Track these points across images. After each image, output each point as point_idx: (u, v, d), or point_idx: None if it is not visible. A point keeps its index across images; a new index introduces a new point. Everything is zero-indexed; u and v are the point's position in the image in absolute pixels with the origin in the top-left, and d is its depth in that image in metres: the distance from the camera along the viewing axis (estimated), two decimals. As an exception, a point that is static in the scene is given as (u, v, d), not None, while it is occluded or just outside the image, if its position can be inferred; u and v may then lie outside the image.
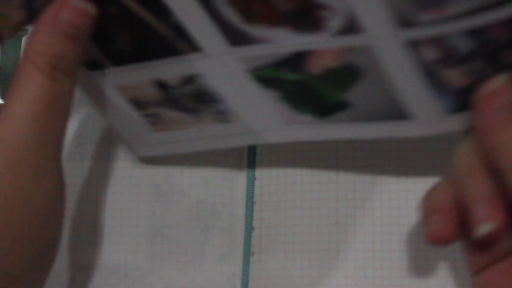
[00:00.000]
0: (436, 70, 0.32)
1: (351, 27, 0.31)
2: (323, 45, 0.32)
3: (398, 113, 0.35)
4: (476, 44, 0.30)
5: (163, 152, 0.42)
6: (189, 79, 0.37)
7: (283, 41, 0.33)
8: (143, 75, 0.36)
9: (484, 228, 0.29)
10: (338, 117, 0.37)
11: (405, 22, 0.29)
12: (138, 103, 0.39)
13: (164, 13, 0.31)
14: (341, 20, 0.30)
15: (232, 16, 0.32)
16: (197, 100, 0.37)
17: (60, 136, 0.31)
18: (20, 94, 0.30)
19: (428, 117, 0.35)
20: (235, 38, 0.33)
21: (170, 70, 0.35)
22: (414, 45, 0.31)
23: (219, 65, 0.35)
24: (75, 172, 0.43)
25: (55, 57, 0.30)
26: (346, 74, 0.34)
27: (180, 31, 0.33)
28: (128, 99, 0.39)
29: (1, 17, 0.31)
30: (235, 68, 0.35)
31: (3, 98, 0.51)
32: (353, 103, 0.36)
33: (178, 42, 0.34)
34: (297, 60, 0.34)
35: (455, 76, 0.32)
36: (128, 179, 0.43)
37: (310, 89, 0.35)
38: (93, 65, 0.36)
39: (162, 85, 0.37)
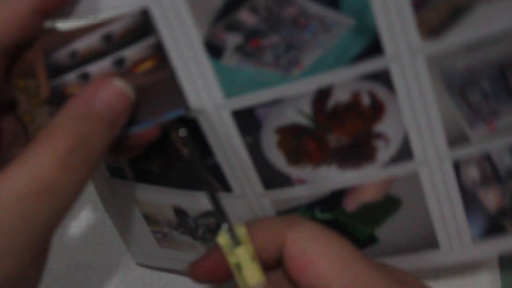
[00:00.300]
0: (474, 191, 0.32)
1: (401, 156, 0.30)
2: (368, 179, 0.31)
3: (429, 243, 0.34)
4: None
5: (161, 265, 0.41)
6: (210, 213, 0.35)
7: (323, 180, 0.31)
8: (165, 199, 0.35)
9: None
10: (367, 251, 0.35)
11: (456, 140, 0.29)
12: (151, 220, 0.37)
13: (205, 153, 0.30)
14: (392, 149, 0.30)
15: (277, 159, 0.30)
16: (211, 232, 0.36)
17: (48, 226, 0.26)
18: (22, 165, 0.25)
19: (460, 244, 0.34)
20: (272, 181, 0.31)
21: (192, 201, 0.34)
22: (459, 165, 0.30)
23: (246, 206, 0.33)
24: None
25: (79, 139, 0.25)
26: (383, 208, 0.33)
27: (215, 172, 0.31)
28: (143, 213, 0.36)
29: (28, 95, 0.28)
30: (262, 210, 0.33)
31: None
32: (384, 238, 0.34)
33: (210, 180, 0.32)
34: (333, 199, 0.32)
35: (490, 198, 0.32)
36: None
37: (340, 227, 0.34)
38: (117, 173, 0.33)
39: (181, 212, 0.35)
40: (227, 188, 0.32)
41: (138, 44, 0.27)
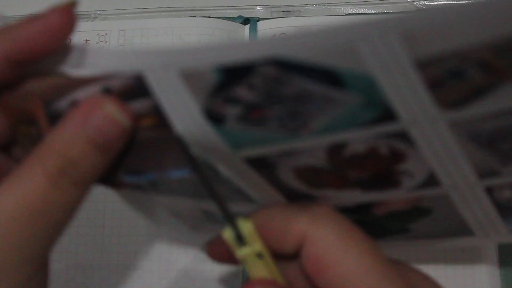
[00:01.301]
0: (509, 206, 0.33)
1: (427, 184, 0.30)
2: (394, 197, 0.32)
3: (463, 232, 0.35)
4: None
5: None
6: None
7: (348, 198, 0.32)
8: (193, 206, 0.35)
9: None
10: (396, 237, 0.36)
11: (486, 174, 0.30)
12: (179, 215, 0.38)
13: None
14: (418, 180, 0.30)
15: (297, 185, 0.30)
16: None
17: (42, 246, 0.26)
18: (12, 186, 0.25)
19: (496, 234, 0.35)
20: (295, 198, 0.32)
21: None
22: (491, 189, 0.31)
23: None
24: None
25: (69, 160, 0.25)
26: (413, 214, 0.34)
27: (238, 191, 0.31)
28: (171, 212, 0.37)
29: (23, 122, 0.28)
30: None
31: None
32: (414, 229, 0.36)
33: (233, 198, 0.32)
34: (359, 209, 0.33)
35: None
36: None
37: (371, 224, 0.34)
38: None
39: (209, 214, 0.36)
40: (250, 200, 0.32)
41: (137, 101, 0.26)
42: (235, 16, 0.50)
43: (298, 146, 0.27)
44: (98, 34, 0.51)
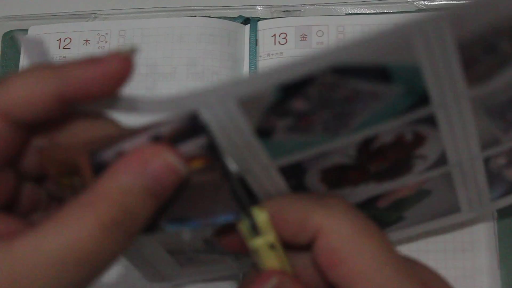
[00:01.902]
0: (499, 173, 0.35)
1: (436, 164, 0.32)
2: (402, 184, 0.33)
3: (450, 209, 0.37)
4: None
5: (180, 282, 0.42)
6: None
7: (360, 193, 0.33)
8: (195, 237, 0.35)
9: None
10: (391, 229, 0.38)
11: (489, 145, 0.32)
12: (175, 252, 0.38)
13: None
14: (429, 162, 0.32)
15: (319, 187, 0.31)
16: None
17: None
18: (60, 230, 0.24)
19: (479, 205, 0.37)
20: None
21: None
22: (488, 160, 0.33)
23: None
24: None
25: (124, 210, 0.24)
26: (413, 199, 0.35)
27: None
28: (167, 249, 0.37)
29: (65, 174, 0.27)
30: None
31: None
32: (410, 216, 0.37)
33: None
34: (366, 203, 0.34)
35: None
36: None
37: (370, 216, 0.36)
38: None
39: (211, 242, 0.36)
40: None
41: (185, 144, 0.26)
42: (235, 16, 0.50)
43: (334, 146, 0.29)
44: (98, 34, 0.51)
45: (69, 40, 0.51)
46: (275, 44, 0.49)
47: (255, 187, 0.30)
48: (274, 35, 0.49)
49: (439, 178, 0.34)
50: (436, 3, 0.49)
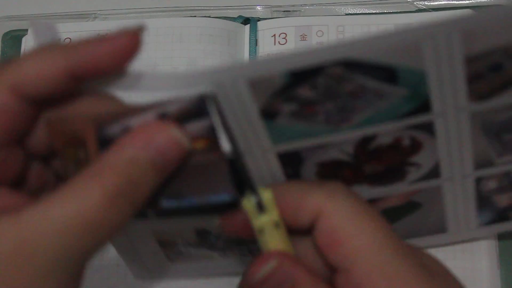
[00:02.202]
0: (488, 196, 0.36)
1: (429, 176, 0.33)
2: (395, 192, 0.34)
3: (437, 229, 0.38)
4: None
5: (168, 278, 0.42)
6: None
7: None
8: (187, 225, 0.36)
9: None
10: None
11: (482, 165, 0.33)
12: (167, 244, 0.38)
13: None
14: (422, 172, 0.33)
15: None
16: (233, 242, 0.37)
17: (85, 258, 0.26)
18: (66, 200, 0.25)
19: (466, 228, 0.38)
20: None
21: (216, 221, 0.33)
22: (480, 180, 0.34)
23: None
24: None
25: (129, 182, 0.25)
26: (403, 210, 0.36)
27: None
28: (159, 240, 0.37)
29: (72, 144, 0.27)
30: None
31: None
32: (397, 228, 0.38)
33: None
34: None
35: (503, 199, 0.36)
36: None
37: None
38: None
39: (203, 232, 0.37)
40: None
41: (191, 124, 0.27)
42: (236, 16, 0.50)
43: (333, 140, 0.30)
44: (98, 34, 0.51)
45: (68, 41, 0.51)
46: (275, 44, 0.49)
47: (252, 171, 0.31)
48: (274, 35, 0.50)
49: (430, 192, 0.34)
50: (436, 3, 0.49)
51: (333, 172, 0.32)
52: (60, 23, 0.52)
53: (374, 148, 0.31)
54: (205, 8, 0.51)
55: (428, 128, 0.30)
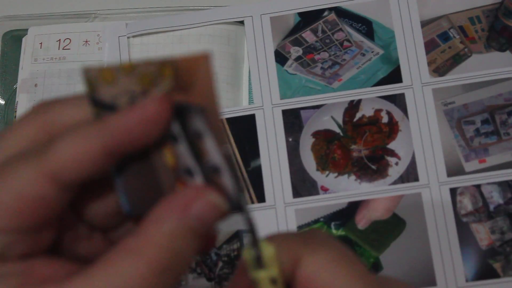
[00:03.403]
0: (467, 222, 0.39)
1: (408, 177, 0.38)
2: (379, 194, 0.38)
3: (427, 281, 0.40)
4: (504, 199, 0.38)
5: None
6: (234, 238, 0.39)
7: (343, 190, 0.38)
8: None
9: None
10: None
11: (453, 172, 0.38)
12: None
13: (253, 154, 0.40)
14: (402, 168, 0.38)
15: (309, 162, 0.38)
16: (230, 265, 0.39)
17: None
18: (110, 271, 0.25)
19: (455, 285, 0.39)
20: (301, 187, 0.38)
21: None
22: (455, 193, 0.38)
23: (273, 217, 0.39)
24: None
25: (173, 254, 0.25)
26: (390, 228, 0.39)
27: (255, 179, 0.39)
28: None
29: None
30: (286, 221, 0.39)
31: (3, 98, 0.53)
32: (388, 265, 0.40)
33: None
34: (348, 212, 0.39)
35: (481, 231, 0.38)
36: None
37: (351, 247, 0.40)
38: None
39: None
40: (261, 198, 0.39)
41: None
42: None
43: (326, 102, 0.37)
44: (98, 35, 0.51)
45: (68, 41, 0.52)
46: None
47: (260, 131, 0.38)
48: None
49: (411, 202, 0.38)
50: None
51: (326, 148, 0.37)
52: (60, 24, 0.52)
53: (359, 119, 0.37)
54: (205, 8, 0.51)
55: (401, 102, 0.36)
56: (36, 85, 0.51)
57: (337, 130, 0.37)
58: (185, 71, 0.25)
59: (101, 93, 0.25)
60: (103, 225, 0.29)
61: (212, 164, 0.26)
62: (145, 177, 0.26)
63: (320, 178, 0.38)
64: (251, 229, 0.28)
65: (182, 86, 0.25)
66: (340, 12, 0.35)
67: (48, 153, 0.25)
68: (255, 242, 0.28)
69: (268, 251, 0.28)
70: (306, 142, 0.37)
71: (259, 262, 0.28)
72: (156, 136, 0.26)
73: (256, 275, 0.28)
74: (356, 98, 0.36)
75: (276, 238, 0.29)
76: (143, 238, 0.25)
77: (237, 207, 0.27)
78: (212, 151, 0.26)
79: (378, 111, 0.37)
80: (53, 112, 0.26)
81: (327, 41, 0.36)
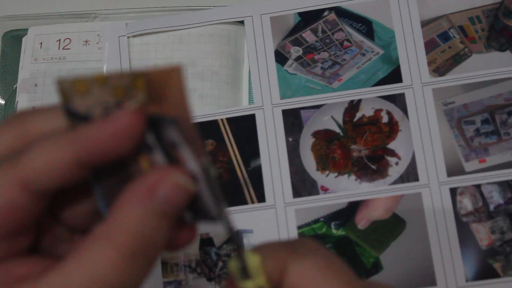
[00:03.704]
0: (467, 222, 0.39)
1: (408, 177, 0.38)
2: (379, 194, 0.38)
3: (427, 280, 0.40)
4: (504, 199, 0.38)
5: None
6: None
7: (343, 190, 0.38)
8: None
9: None
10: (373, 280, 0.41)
11: (453, 172, 0.38)
12: (168, 266, 0.40)
13: (253, 155, 0.40)
14: (402, 168, 0.37)
15: (309, 162, 0.38)
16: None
17: None
18: (81, 261, 0.25)
19: (455, 284, 0.39)
20: (301, 186, 0.38)
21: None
22: (455, 194, 0.38)
23: (273, 217, 0.39)
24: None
25: (142, 237, 0.25)
26: (389, 228, 0.39)
27: (255, 178, 0.39)
28: (161, 259, 0.41)
29: None
30: (286, 221, 0.39)
31: (3, 98, 0.53)
32: (388, 266, 0.40)
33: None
34: (348, 212, 0.39)
35: (482, 231, 0.39)
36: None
37: (351, 249, 0.39)
38: None
39: (206, 242, 0.39)
40: (261, 198, 0.39)
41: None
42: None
43: (326, 102, 0.37)
44: (98, 35, 0.51)
45: (68, 41, 0.52)
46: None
47: (260, 131, 0.38)
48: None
49: (411, 202, 0.38)
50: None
51: (326, 148, 0.37)
52: (60, 24, 0.52)
53: (359, 119, 0.37)
54: (205, 8, 0.51)
55: (401, 102, 0.36)
56: (36, 85, 0.51)
57: (337, 130, 0.37)
58: (158, 83, 0.25)
59: (75, 104, 0.26)
60: (83, 226, 0.29)
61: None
62: (123, 183, 0.26)
63: (320, 178, 0.38)
64: (234, 241, 0.28)
65: (155, 98, 0.25)
66: (340, 12, 0.35)
67: (20, 161, 0.25)
68: (239, 252, 0.28)
69: (253, 261, 0.28)
70: (306, 142, 0.37)
71: (245, 272, 0.28)
72: (130, 148, 0.26)
73: (243, 286, 0.28)
74: (356, 98, 0.36)
75: (262, 248, 0.28)
76: (112, 224, 0.25)
77: (218, 220, 0.27)
78: (188, 160, 0.26)
79: (378, 111, 0.37)
80: (29, 122, 0.27)
81: (327, 41, 0.36)
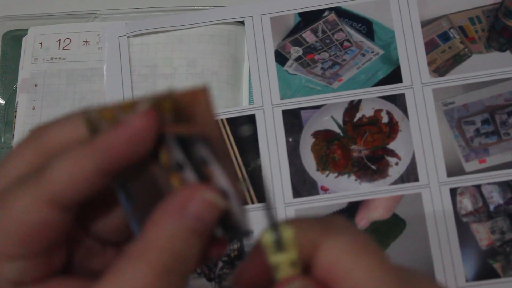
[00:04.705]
0: (467, 222, 0.39)
1: (408, 177, 0.38)
2: (379, 194, 0.39)
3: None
4: (504, 199, 0.38)
5: None
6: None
7: (343, 190, 0.39)
8: None
9: None
10: None
11: (454, 172, 0.38)
12: None
13: (254, 154, 0.40)
14: (402, 168, 0.38)
15: (309, 162, 0.38)
16: (230, 264, 0.40)
17: None
18: (115, 281, 0.25)
19: (455, 286, 0.40)
20: (301, 187, 0.38)
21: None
22: (455, 194, 0.38)
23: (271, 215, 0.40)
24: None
25: (175, 255, 0.26)
26: (390, 228, 0.39)
27: (255, 179, 0.39)
28: None
29: None
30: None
31: (3, 98, 0.53)
32: None
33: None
34: (348, 212, 0.39)
35: (481, 231, 0.39)
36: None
37: None
38: None
39: None
40: (261, 198, 0.39)
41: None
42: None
43: (326, 102, 0.37)
44: (98, 35, 0.51)
45: (68, 41, 0.52)
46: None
47: (260, 132, 0.38)
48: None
49: (411, 202, 0.38)
50: None
51: (326, 149, 0.37)
52: (60, 24, 0.53)
53: (359, 120, 0.37)
54: (205, 8, 0.51)
55: (401, 102, 0.36)
56: (36, 85, 0.51)
57: (337, 130, 0.37)
58: (185, 104, 0.25)
59: (102, 130, 0.26)
60: (114, 239, 0.29)
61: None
62: (154, 202, 0.26)
63: (320, 178, 0.38)
64: (270, 213, 0.28)
65: (183, 118, 0.25)
66: (340, 12, 0.36)
67: (43, 177, 0.25)
68: (275, 225, 0.28)
69: (287, 234, 0.28)
70: (306, 142, 0.37)
71: (278, 245, 0.28)
72: (147, 148, 0.26)
73: (276, 259, 0.28)
74: (356, 98, 0.36)
75: (296, 222, 0.28)
76: (144, 242, 0.25)
77: (245, 234, 0.28)
78: (218, 176, 0.26)
79: (378, 111, 0.37)
80: (46, 136, 0.27)
81: (327, 41, 0.36)
